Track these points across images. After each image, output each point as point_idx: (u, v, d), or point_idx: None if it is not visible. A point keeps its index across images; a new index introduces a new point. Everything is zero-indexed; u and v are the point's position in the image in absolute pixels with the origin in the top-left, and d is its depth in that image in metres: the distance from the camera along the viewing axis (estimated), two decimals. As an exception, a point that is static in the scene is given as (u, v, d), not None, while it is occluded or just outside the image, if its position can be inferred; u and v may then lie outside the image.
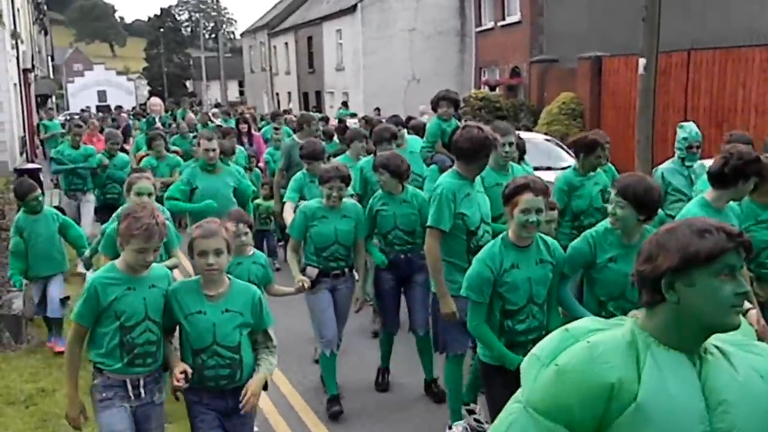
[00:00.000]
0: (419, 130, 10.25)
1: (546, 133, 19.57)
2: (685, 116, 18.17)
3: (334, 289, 6.62)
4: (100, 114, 34.45)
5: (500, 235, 4.79)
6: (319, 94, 43.58)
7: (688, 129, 8.13)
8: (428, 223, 5.78)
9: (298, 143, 9.74)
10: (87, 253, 7.83)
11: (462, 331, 5.53)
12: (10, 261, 8.02)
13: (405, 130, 9.50)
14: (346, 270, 6.67)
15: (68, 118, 38.19)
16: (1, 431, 6.08)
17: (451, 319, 5.68)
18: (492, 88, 29.15)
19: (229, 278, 4.48)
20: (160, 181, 10.37)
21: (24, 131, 28.57)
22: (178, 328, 4.44)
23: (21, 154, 26.36)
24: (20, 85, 28.25)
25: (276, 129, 14.20)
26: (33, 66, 34.73)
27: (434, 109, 8.94)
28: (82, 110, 45.80)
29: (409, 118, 13.68)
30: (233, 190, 8.34)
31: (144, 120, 21.38)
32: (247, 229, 5.78)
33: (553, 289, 4.84)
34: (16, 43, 26.31)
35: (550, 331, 4.10)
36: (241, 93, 68.21)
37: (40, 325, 8.85)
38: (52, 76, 56.51)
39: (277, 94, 52.06)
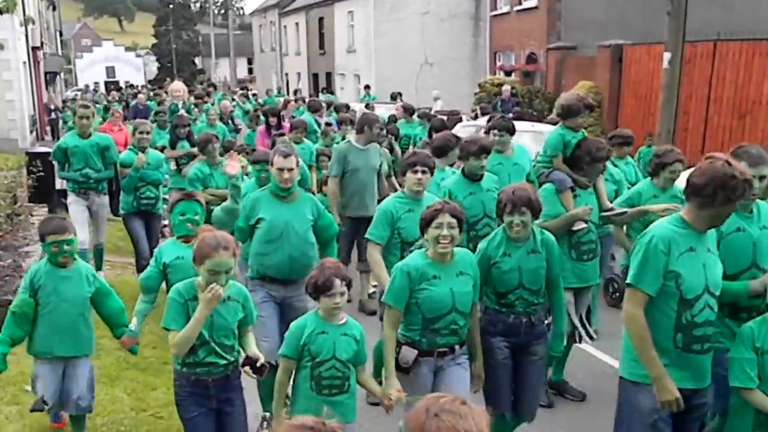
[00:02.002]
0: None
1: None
2: (707, 107, 17.94)
3: (438, 370, 5.00)
4: (113, 92, 33.65)
5: None
6: (329, 76, 43.09)
7: None
8: (628, 280, 4.33)
9: (355, 147, 8.88)
10: (133, 326, 5.62)
11: None
12: (6, 322, 5.35)
13: (509, 135, 7.87)
14: (456, 347, 5.01)
15: (79, 93, 37.78)
16: (19, 420, 5.96)
17: (673, 408, 4.22)
18: (508, 74, 28.81)
19: None
20: (211, 194, 8.79)
21: (34, 109, 28.46)
22: None
23: (31, 132, 26.35)
24: (30, 63, 28.04)
25: (328, 125, 12.26)
26: (42, 43, 34.39)
27: (563, 117, 6.87)
28: (92, 89, 45.32)
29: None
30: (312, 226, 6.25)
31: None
32: (345, 289, 4.53)
33: None
34: (25, 21, 26.01)
35: None
36: (250, 71, 67.76)
37: None
38: (60, 52, 56.15)
39: (287, 74, 51.55)
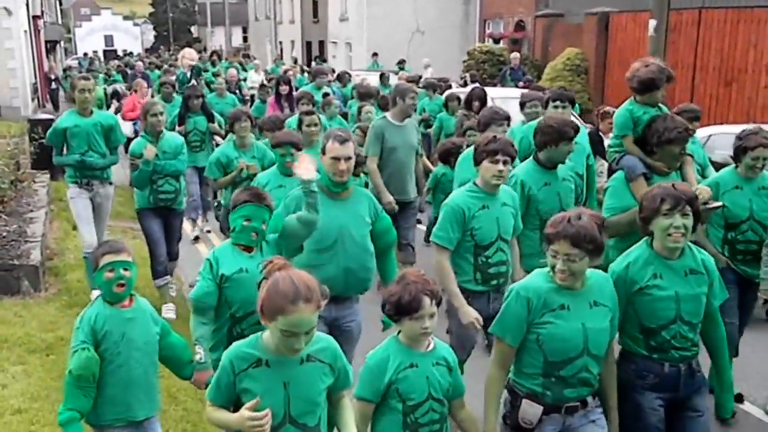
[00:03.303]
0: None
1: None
2: (693, 75, 17.72)
3: (566, 430, 3.70)
4: (116, 62, 32.93)
5: None
6: (322, 44, 42.49)
7: None
8: None
9: (391, 124, 7.69)
10: (200, 357, 4.27)
11: None
12: (67, 392, 3.85)
13: (571, 107, 6.69)
14: (589, 399, 3.68)
15: (77, 63, 37.10)
16: (25, 379, 5.93)
17: None
18: (496, 41, 28.47)
19: None
20: (242, 167, 7.42)
21: (35, 77, 28.08)
22: None
23: (33, 100, 26.05)
24: (30, 31, 27.61)
25: (326, 95, 10.99)
26: (42, 12, 33.90)
27: (639, 92, 5.40)
28: (91, 57, 44.70)
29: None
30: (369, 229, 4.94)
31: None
32: (435, 309, 3.41)
33: None
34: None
35: None
36: (245, 39, 67.05)
37: (57, 274, 8.61)
38: (60, 21, 55.50)
39: (281, 42, 50.86)
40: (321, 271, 4.53)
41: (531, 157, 5.57)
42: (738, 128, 9.95)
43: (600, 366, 3.63)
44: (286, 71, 18.28)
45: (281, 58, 43.23)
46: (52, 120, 14.24)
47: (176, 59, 24.27)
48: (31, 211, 9.96)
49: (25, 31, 25.60)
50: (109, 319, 3.88)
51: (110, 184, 7.98)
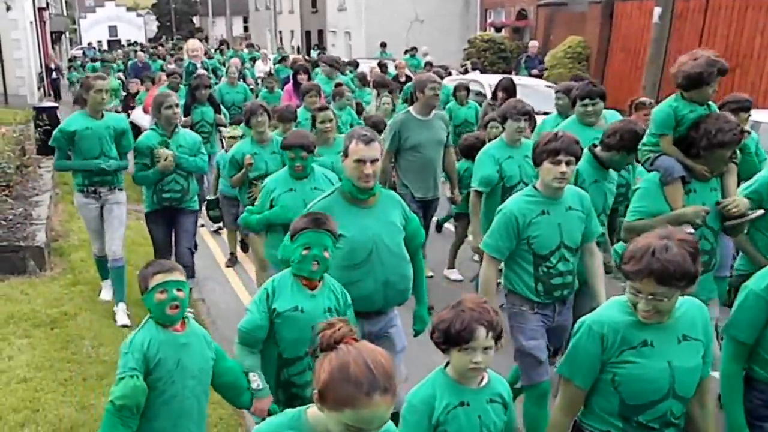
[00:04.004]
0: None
1: (546, 77, 18.63)
2: (697, 61, 17.38)
3: None
4: (120, 51, 32.41)
5: None
6: (321, 33, 42.07)
7: None
8: None
9: (415, 119, 6.99)
10: (257, 385, 3.75)
11: None
12: (105, 421, 3.31)
13: (602, 103, 5.96)
14: None
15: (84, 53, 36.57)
16: (30, 350, 6.03)
17: None
18: (498, 30, 28.07)
19: None
20: (249, 163, 6.63)
21: (41, 67, 28.01)
22: None
23: (39, 89, 26.07)
24: (36, 22, 27.60)
25: (339, 85, 10.20)
26: (47, 4, 33.63)
27: (685, 88, 4.48)
28: (96, 48, 44.14)
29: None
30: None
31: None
32: (492, 342, 2.83)
33: None
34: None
35: None
36: (246, 29, 66.70)
37: (62, 254, 8.59)
38: (65, 12, 55.17)
39: (280, 32, 50.44)
40: (357, 287, 4.08)
41: (588, 150, 4.91)
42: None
43: (685, 407, 2.99)
44: (296, 60, 17.64)
45: (282, 47, 42.87)
46: (56, 108, 14.51)
47: (180, 49, 24.00)
48: (37, 194, 9.99)
49: (31, 23, 25.58)
50: (163, 344, 3.37)
51: (120, 190, 6.99)
